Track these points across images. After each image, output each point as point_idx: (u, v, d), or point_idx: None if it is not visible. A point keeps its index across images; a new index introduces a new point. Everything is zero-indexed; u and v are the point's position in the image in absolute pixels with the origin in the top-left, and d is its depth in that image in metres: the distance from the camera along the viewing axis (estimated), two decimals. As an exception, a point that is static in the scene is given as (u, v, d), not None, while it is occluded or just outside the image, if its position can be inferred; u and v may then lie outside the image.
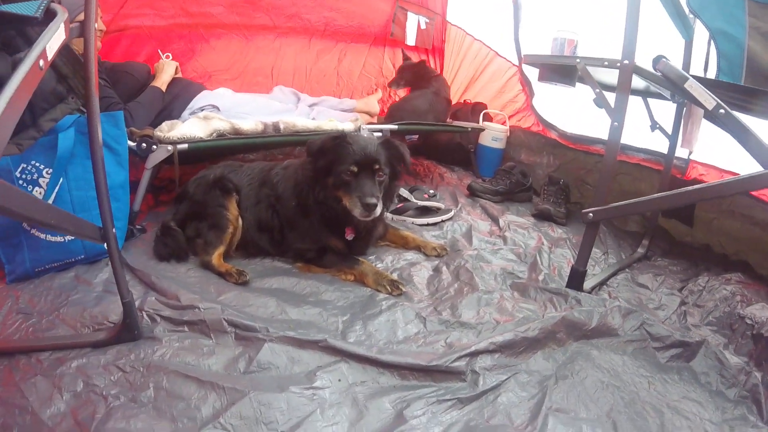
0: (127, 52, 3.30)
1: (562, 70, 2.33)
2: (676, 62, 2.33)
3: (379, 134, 3.02)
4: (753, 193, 2.41)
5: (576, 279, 2.04)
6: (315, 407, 1.31)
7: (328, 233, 2.17)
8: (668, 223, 2.84)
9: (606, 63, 2.02)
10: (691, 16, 2.22)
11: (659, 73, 1.76)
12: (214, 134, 2.56)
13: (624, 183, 3.04)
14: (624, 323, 1.75)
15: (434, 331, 1.73)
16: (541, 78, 2.51)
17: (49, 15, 1.20)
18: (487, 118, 4.09)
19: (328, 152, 2.05)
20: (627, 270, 2.43)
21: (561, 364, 1.57)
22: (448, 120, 4.02)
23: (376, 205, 1.95)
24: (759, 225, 2.40)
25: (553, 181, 3.26)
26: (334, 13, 4.12)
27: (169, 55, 3.23)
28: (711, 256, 2.57)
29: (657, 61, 1.73)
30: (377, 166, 2.03)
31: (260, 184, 2.31)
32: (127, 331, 1.53)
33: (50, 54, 1.11)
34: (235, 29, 3.77)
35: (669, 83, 1.78)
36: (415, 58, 4.40)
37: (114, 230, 1.45)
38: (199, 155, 2.76)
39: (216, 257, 2.09)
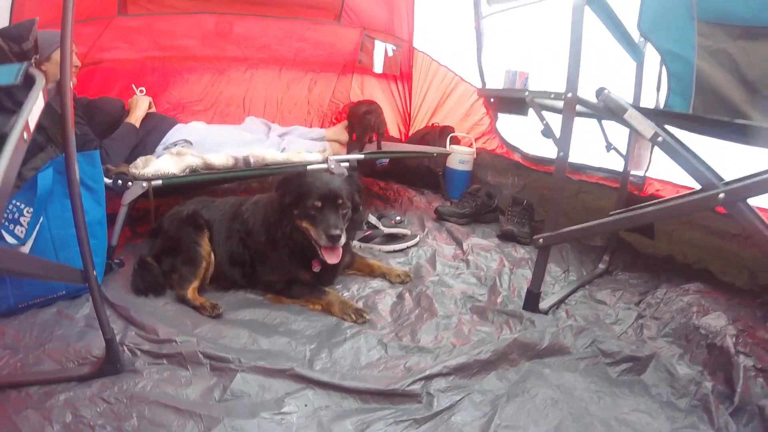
0: (101, 86, 3.39)
1: (515, 102, 2.44)
2: (630, 84, 2.42)
3: (346, 164, 3.15)
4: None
5: (531, 301, 2.13)
6: (284, 431, 1.41)
7: (296, 266, 2.25)
8: (631, 235, 2.90)
9: (552, 96, 2.13)
10: (642, 39, 2.31)
11: (602, 104, 1.84)
12: (187, 170, 2.65)
13: (586, 201, 3.13)
14: (576, 341, 1.84)
15: (395, 356, 1.82)
16: (495, 109, 2.61)
17: (28, 80, 1.25)
18: (455, 140, 4.19)
19: (293, 187, 2.16)
20: (586, 287, 2.50)
21: (513, 383, 1.66)
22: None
23: (339, 236, 2.05)
24: (716, 234, 2.49)
25: (517, 201, 3.34)
26: (303, 44, 4.24)
27: (143, 89, 3.31)
28: (674, 266, 2.64)
29: (599, 93, 1.82)
30: (340, 201, 2.13)
31: (231, 218, 2.39)
32: (110, 365, 1.61)
33: (32, 124, 1.15)
34: (207, 61, 3.88)
35: (610, 113, 1.86)
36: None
37: (95, 273, 1.52)
38: (174, 189, 2.84)
39: (191, 291, 2.16)
